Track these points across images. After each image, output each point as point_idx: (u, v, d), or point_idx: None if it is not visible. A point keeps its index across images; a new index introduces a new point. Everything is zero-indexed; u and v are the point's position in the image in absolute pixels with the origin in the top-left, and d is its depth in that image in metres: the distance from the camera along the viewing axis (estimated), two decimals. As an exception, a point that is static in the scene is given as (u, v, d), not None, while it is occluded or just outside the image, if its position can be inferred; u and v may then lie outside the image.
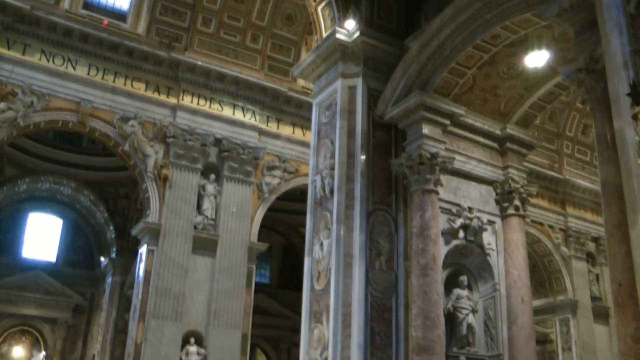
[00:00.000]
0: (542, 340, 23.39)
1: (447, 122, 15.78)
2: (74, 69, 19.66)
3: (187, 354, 18.39)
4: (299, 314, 16.29)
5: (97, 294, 30.55)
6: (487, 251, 16.16)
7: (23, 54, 18.91)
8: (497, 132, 16.79)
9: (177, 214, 19.64)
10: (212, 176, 20.59)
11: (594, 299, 23.56)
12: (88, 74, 19.82)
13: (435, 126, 15.62)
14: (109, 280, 28.00)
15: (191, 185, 20.19)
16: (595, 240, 23.75)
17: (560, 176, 23.77)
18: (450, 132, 16.04)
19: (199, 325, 18.81)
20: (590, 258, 23.84)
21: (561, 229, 23.35)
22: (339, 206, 15.18)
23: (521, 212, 16.81)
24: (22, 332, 29.97)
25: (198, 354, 18.41)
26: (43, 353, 29.14)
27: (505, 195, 16.64)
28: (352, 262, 14.68)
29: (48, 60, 19.27)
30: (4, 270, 29.00)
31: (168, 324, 18.45)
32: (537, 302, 22.15)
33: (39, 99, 18.82)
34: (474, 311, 15.65)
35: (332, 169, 15.70)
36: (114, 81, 20.18)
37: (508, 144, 16.91)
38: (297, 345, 16.95)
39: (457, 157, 16.03)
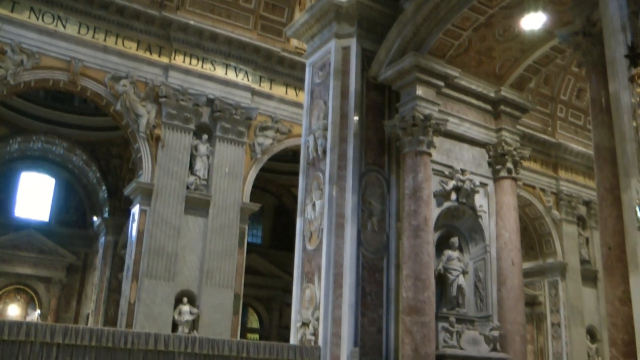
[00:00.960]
0: (531, 302, 23.69)
1: (442, 84, 15.70)
2: (64, 27, 19.35)
3: (179, 313, 18.52)
4: (291, 274, 16.40)
5: (91, 253, 30.66)
6: (479, 213, 16.25)
7: (12, 11, 18.59)
8: (492, 94, 16.74)
9: (170, 174, 19.60)
10: (205, 136, 20.50)
11: (583, 262, 23.78)
12: (78, 32, 19.53)
13: (429, 88, 15.55)
14: (101, 240, 28.07)
15: (183, 145, 20.11)
16: (587, 203, 23.90)
17: (553, 140, 23.78)
18: (444, 94, 15.97)
19: (192, 285, 18.91)
20: (581, 221, 24.01)
21: (553, 192, 23.45)
22: (332, 167, 15.18)
23: (513, 175, 16.86)
24: (17, 291, 30.16)
25: (191, 313, 18.54)
26: (38, 311, 29.35)
27: (497, 158, 16.67)
28: (344, 223, 14.74)
29: (37, 18, 18.97)
30: (-3, 229, 29.10)
31: (161, 284, 18.55)
32: (527, 265, 22.35)
33: (28, 57, 18.58)
34: (464, 273, 15.79)
35: (325, 129, 15.65)
36: (104, 40, 19.90)
37: (502, 107, 16.88)
38: (289, 305, 17.10)
39: (451, 119, 16.00)
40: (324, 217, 15.04)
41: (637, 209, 9.02)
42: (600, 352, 22.81)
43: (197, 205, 19.77)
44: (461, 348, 14.84)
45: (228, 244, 19.65)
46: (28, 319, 28.04)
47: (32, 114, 26.49)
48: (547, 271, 23.42)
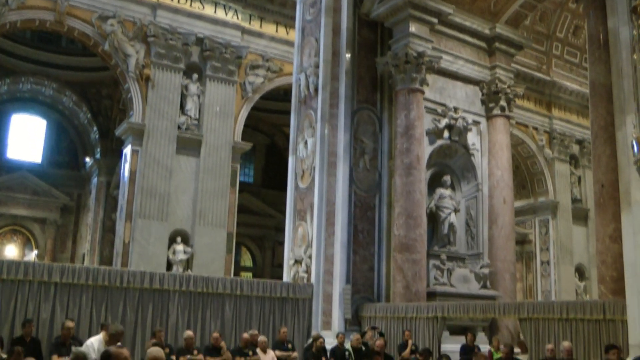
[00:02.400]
0: (521, 241, 23.93)
1: (435, 20, 15.46)
2: (48, -36, 18.85)
3: (174, 252, 18.66)
4: (283, 212, 16.47)
5: (84, 194, 30.67)
6: (471, 151, 16.25)
7: (-7, -53, 18.06)
8: (486, 31, 16.52)
9: (161, 114, 19.44)
10: (195, 76, 20.26)
11: (574, 201, 23.94)
12: (63, -30, 19.03)
13: (423, 24, 15.31)
14: (94, 180, 28.04)
15: (174, 85, 19.89)
16: (580, 142, 23.90)
17: (548, 78, 23.60)
18: (437, 31, 15.75)
19: (185, 224, 19.00)
20: (573, 160, 24.06)
21: (546, 131, 23.42)
22: (324, 105, 15.08)
23: (507, 113, 16.81)
24: (14, 232, 30.28)
25: (185, 252, 18.69)
26: (35, 252, 29.52)
27: (491, 96, 16.57)
28: (336, 161, 14.73)
29: (20, -45, 18.45)
30: (-11, 171, 29.02)
31: (154, 224, 18.62)
32: (518, 204, 22.49)
33: (13, -4, 18.14)
34: (456, 211, 15.89)
35: (317, 67, 15.48)
36: (90, -22, 19.41)
37: (496, 44, 16.68)
38: (281, 243, 17.23)
39: (444, 56, 15.83)
40: (316, 156, 15.02)
41: (634, 144, 8.99)
42: (588, 290, 23.18)
43: (188, 145, 19.70)
44: (452, 285, 15.05)
45: (220, 184, 19.67)
46: (25, 259, 28.21)
47: (20, 55, 26.05)
48: (538, 210, 23.58)
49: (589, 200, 23.01)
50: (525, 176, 23.68)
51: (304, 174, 15.59)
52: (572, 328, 10.81)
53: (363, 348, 11.47)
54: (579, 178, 24.37)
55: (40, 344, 10.39)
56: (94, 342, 8.47)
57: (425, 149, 15.36)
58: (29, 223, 30.22)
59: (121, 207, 19.57)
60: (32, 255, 28.92)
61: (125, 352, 4.67)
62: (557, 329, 11.09)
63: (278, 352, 11.36)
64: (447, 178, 15.98)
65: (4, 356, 9.04)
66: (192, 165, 19.54)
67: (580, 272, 23.57)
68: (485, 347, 12.26)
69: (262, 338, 11.29)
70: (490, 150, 16.52)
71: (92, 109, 27.34)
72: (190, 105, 20.03)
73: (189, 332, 10.99)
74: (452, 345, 12.93)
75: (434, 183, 15.98)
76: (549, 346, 10.69)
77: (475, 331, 14.18)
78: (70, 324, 10.35)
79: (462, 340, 12.53)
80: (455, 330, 13.80)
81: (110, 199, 25.99)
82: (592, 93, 12.04)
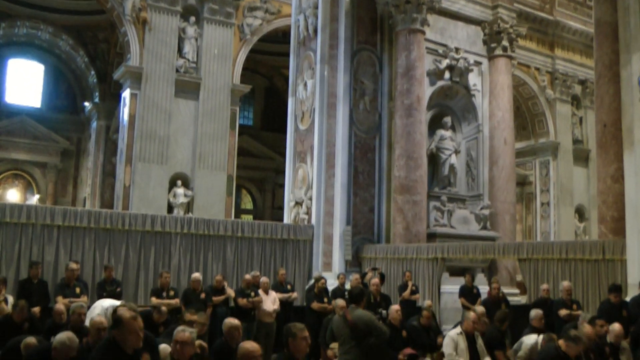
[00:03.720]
0: (522, 182, 23.92)
1: (436, -42, 15.13)
2: None
3: (174, 195, 18.70)
4: (283, 155, 16.46)
5: (83, 138, 30.58)
6: (472, 92, 16.13)
7: None
8: (488, -31, 16.19)
9: (158, 57, 19.19)
10: (192, 18, 19.90)
11: (575, 142, 23.82)
12: None
13: (424, -38, 14.99)
14: (93, 124, 27.92)
15: (171, 28, 19.57)
16: (582, 82, 23.63)
17: (551, 17, 23.17)
18: (438, -31, 15.43)
19: (185, 167, 18.99)
20: (575, 101, 23.83)
21: (548, 72, 23.11)
22: (323, 46, 14.89)
23: (508, 53, 16.61)
24: (15, 176, 30.31)
25: (185, 195, 18.72)
26: (36, 196, 29.61)
27: (493, 36, 16.34)
28: (336, 102, 14.64)
29: None
30: (-12, 116, 28.87)
31: (154, 167, 18.60)
32: (519, 145, 22.40)
33: None
34: (456, 152, 15.86)
35: (316, 8, 15.22)
36: None
37: (498, -18, 16.38)
38: (281, 185, 17.27)
39: (446, -5, 15.56)
40: (315, 97, 14.92)
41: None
42: (587, 231, 23.26)
43: (187, 88, 19.52)
44: (452, 227, 15.13)
45: (219, 127, 19.57)
46: (27, 203, 28.33)
47: (14, -2, 25.60)
48: (538, 151, 23.48)
49: (591, 141, 22.91)
50: (526, 117, 23.50)
51: (304, 116, 15.51)
52: (571, 268, 10.90)
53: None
54: (581, 119, 24.19)
55: (47, 285, 10.52)
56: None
57: (426, 90, 15.23)
58: (29, 167, 30.24)
59: (121, 151, 19.52)
60: (33, 200, 29.02)
61: (139, 322, 4.74)
62: (556, 269, 11.19)
63: (278, 294, 11.48)
64: (447, 119, 15.90)
65: (10, 298, 9.16)
66: (191, 109, 19.40)
67: (580, 213, 23.63)
68: (484, 288, 12.39)
69: (264, 279, 11.39)
70: (491, 91, 16.39)
71: (89, 52, 27.01)
72: (188, 48, 19.76)
73: (196, 275, 11.07)
74: (451, 286, 13.09)
75: (435, 124, 15.91)
76: (544, 286, 10.80)
77: (475, 272, 14.33)
78: (74, 265, 10.45)
79: (461, 281, 12.65)
80: (455, 272, 13.94)
81: (110, 142, 25.92)
82: (597, 31, 11.85)
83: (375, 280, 11.04)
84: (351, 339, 6.45)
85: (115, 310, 4.79)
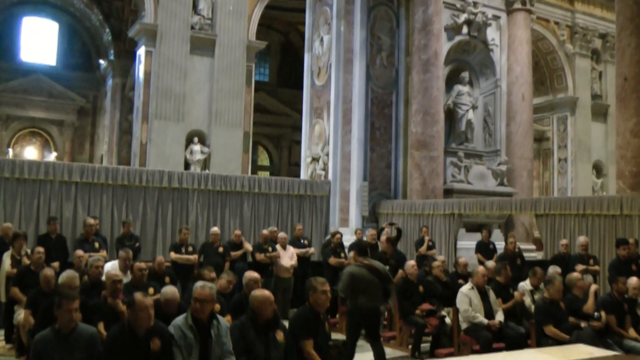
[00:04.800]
0: (539, 138, 23.75)
1: None
2: None
3: (191, 152, 18.72)
4: (299, 111, 16.41)
5: (99, 96, 30.64)
6: (490, 47, 15.92)
7: None
8: None
9: (173, 14, 19.00)
10: (206, -27, 19.66)
11: (594, 97, 23.51)
12: None
13: None
14: (109, 82, 27.92)
15: (185, -17, 19.34)
16: (602, 36, 23.20)
17: (571, -31, 22.74)
18: None
19: (201, 124, 18.97)
20: (595, 55, 23.43)
21: (567, 26, 22.70)
22: (339, 1, 14.72)
23: (527, 7, 16.36)
24: (32, 134, 30.51)
25: (202, 152, 18.74)
26: (54, 153, 29.82)
27: (512, -11, 16.06)
28: (353, 58, 14.53)
29: None
30: (5, 74, 28.88)
31: (171, 125, 18.60)
32: (537, 101, 22.16)
33: None
34: (473, 107, 15.74)
35: (332, -39, 15.00)
36: None
37: None
38: (298, 142, 17.24)
39: (464, -53, 15.25)
40: (332, 53, 14.80)
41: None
42: (605, 187, 23.13)
43: (202, 45, 19.36)
44: (469, 182, 15.09)
45: (235, 83, 19.46)
46: (45, 160, 28.56)
47: (28, -46, 25.43)
48: (556, 107, 23.22)
49: (610, 96, 22.61)
50: (545, 72, 23.19)
51: (320, 72, 15.41)
52: (589, 224, 10.88)
53: (378, 244, 11.65)
54: (600, 73, 23.83)
55: (65, 240, 10.67)
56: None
57: (444, 45, 15.05)
58: (46, 125, 30.40)
59: (137, 109, 19.52)
60: (51, 157, 29.23)
61: (148, 300, 4.86)
62: (574, 224, 11.17)
63: (295, 249, 11.56)
64: (465, 74, 15.74)
65: (30, 251, 9.30)
66: (206, 66, 19.29)
67: (598, 169, 23.47)
68: (500, 244, 12.41)
69: (282, 234, 11.48)
70: (509, 46, 16.17)
71: (104, 10, 26.85)
72: (203, 5, 19.54)
73: (215, 229, 11.19)
74: (468, 242, 13.12)
75: (452, 80, 15.77)
76: (563, 241, 10.79)
77: (492, 228, 14.34)
78: (91, 221, 10.58)
79: (478, 237, 12.68)
80: (472, 228, 13.96)
81: (126, 100, 25.94)
82: (618, -17, 11.61)
83: (383, 237, 11.12)
84: (375, 285, 7.00)
85: (131, 294, 5.05)
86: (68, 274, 6.74)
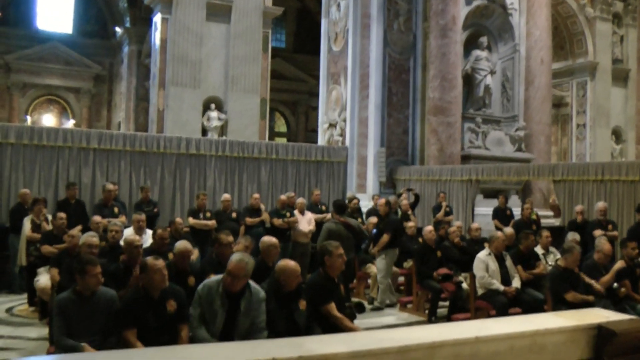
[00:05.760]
0: (557, 104, 23.47)
1: None
2: None
3: (208, 119, 18.72)
4: (316, 77, 16.35)
5: (116, 63, 30.64)
6: (509, 11, 15.70)
7: None
8: None
9: (188, -21, 18.89)
10: (221, -63, 19.43)
11: (615, 61, 23.15)
12: None
13: None
14: (125, 49, 27.91)
15: (199, -53, 19.15)
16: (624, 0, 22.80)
17: None
18: None
19: (218, 91, 18.92)
20: (617, 19, 23.00)
21: (588, -12, 22.33)
22: (356, -35, 14.55)
23: (548, -31, 16.05)
24: (50, 102, 30.65)
25: (219, 119, 18.74)
26: (72, 120, 29.98)
27: (532, -50, 15.76)
28: (370, 23, 14.40)
29: None
30: (21, 42, 28.98)
31: (187, 91, 18.58)
32: (556, 65, 21.86)
33: None
34: (491, 72, 15.59)
35: None
36: None
37: None
38: (314, 108, 17.21)
39: None
40: (349, 18, 14.68)
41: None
42: (624, 153, 22.91)
43: (218, 11, 19.22)
44: (486, 148, 15.03)
45: (252, 49, 19.36)
46: (63, 127, 28.71)
47: None
48: (576, 71, 22.91)
49: (631, 60, 22.30)
50: (565, 36, 22.84)
51: (337, 37, 15.30)
52: (607, 189, 10.82)
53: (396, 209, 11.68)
54: (621, 37, 23.41)
55: (84, 205, 10.78)
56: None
57: (461, 10, 14.85)
58: (63, 92, 30.51)
59: (153, 75, 19.51)
60: (69, 124, 29.38)
61: (160, 263, 4.90)
62: (592, 190, 11.12)
63: (313, 215, 11.60)
64: (483, 39, 15.56)
65: (50, 217, 9.42)
66: (222, 32, 19.17)
67: (617, 134, 23.22)
68: (517, 211, 12.38)
69: (300, 200, 11.52)
70: (528, 10, 15.93)
71: (119, -23, 26.78)
72: (218, -30, 19.38)
73: (226, 195, 11.26)
74: (485, 208, 13.12)
75: (470, 45, 15.59)
76: (578, 208, 10.72)
77: (509, 194, 14.31)
78: (111, 186, 10.66)
79: (495, 203, 12.67)
80: (489, 193, 13.95)
81: (142, 67, 25.93)
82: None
83: (405, 201, 11.14)
84: (349, 240, 7.88)
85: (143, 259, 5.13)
86: (88, 234, 6.86)
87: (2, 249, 10.13)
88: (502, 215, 12.11)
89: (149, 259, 4.94)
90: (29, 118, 28.82)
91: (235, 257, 4.95)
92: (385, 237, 9.15)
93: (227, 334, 4.83)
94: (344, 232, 7.95)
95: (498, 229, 11.28)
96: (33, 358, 5.74)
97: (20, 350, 6.62)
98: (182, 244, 6.27)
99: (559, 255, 8.10)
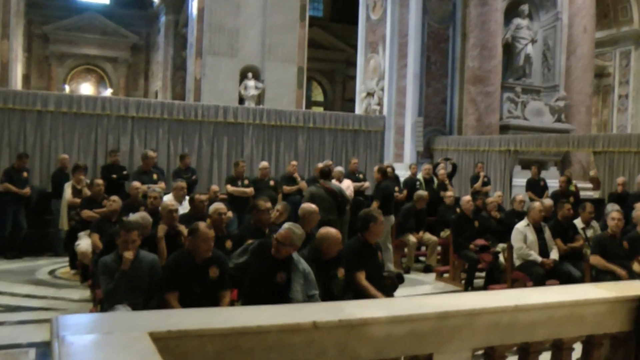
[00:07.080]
0: (599, 74, 22.96)
1: None
2: None
3: (245, 88, 18.77)
4: (353, 46, 16.24)
5: (152, 33, 30.82)
6: (552, -22, 15.35)
7: None
8: None
9: (225, -53, 18.81)
10: None
11: (660, 30, 22.55)
12: None
13: None
14: (162, 19, 28.01)
15: None
16: (671, -35, 22.07)
17: None
18: None
19: (255, 60, 18.92)
20: (663, -14, 22.35)
21: (634, -45, 21.66)
22: None
23: None
24: (87, 71, 31.06)
25: (256, 88, 18.77)
26: (109, 89, 30.35)
27: None
28: (409, -10, 14.23)
29: None
30: (59, 13, 29.32)
31: (224, 60, 18.61)
32: (599, 34, 21.30)
33: None
34: (532, 41, 15.31)
35: None
36: None
37: None
38: (352, 77, 17.11)
39: None
40: (388, -15, 14.52)
41: None
42: (667, 125, 22.43)
43: (255, -22, 19.18)
44: (525, 118, 14.83)
45: (289, 18, 19.26)
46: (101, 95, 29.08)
47: None
48: (620, 40, 22.32)
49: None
50: (608, 4, 22.22)
51: (376, 5, 15.16)
52: (649, 161, 10.62)
53: (433, 178, 11.64)
54: (668, 5, 22.76)
55: (126, 170, 10.94)
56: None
57: (503, -24, 14.59)
58: (100, 62, 30.85)
59: (190, 45, 19.57)
60: (106, 93, 29.75)
61: (211, 233, 4.97)
62: (633, 162, 10.91)
63: (350, 182, 11.59)
64: (524, 7, 15.25)
65: (87, 181, 9.59)
66: (259, 0, 19.14)
67: (660, 106, 22.71)
68: (554, 182, 12.20)
69: (338, 168, 11.51)
70: (572, -24, 15.56)
71: (156, -54, 26.79)
72: (256, -62, 19.26)
73: (264, 163, 11.32)
74: (523, 179, 12.96)
75: (511, 13, 15.30)
76: (620, 180, 10.50)
77: (547, 165, 14.11)
78: (151, 153, 10.78)
79: (534, 174, 12.51)
80: (528, 164, 13.77)
81: (179, 36, 26.05)
82: None
83: (442, 171, 11.08)
84: (330, 202, 8.34)
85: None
86: (141, 214, 6.71)
87: (45, 213, 10.37)
88: (535, 187, 11.94)
89: (201, 225, 4.96)
90: (67, 87, 29.23)
91: (286, 225, 5.02)
92: (374, 204, 9.09)
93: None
94: (325, 195, 8.39)
95: (531, 200, 11.17)
96: (80, 315, 5.88)
97: (63, 311, 6.79)
98: (215, 204, 6.43)
99: (599, 231, 7.99)
